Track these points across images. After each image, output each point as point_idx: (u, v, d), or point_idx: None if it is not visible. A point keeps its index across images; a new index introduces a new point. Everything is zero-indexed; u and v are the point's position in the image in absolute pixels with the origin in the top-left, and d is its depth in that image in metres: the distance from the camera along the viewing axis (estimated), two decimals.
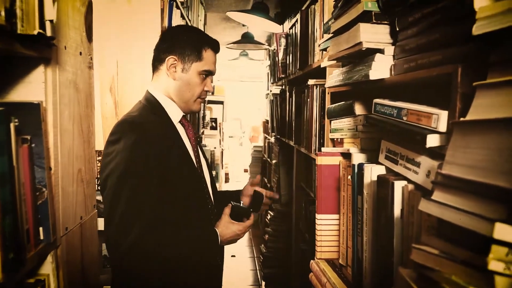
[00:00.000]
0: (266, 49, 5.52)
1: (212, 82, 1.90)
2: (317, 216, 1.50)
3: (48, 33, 1.03)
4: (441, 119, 0.87)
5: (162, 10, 2.41)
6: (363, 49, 1.17)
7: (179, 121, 1.73)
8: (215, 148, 6.49)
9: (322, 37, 2.23)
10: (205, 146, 5.70)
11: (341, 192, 1.43)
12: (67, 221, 1.29)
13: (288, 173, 3.93)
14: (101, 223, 2.39)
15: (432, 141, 0.88)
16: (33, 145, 1.08)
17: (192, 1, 3.67)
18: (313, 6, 2.72)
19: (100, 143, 2.40)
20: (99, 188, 2.39)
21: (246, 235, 1.96)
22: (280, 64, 3.97)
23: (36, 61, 1.13)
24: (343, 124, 1.51)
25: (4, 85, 1.13)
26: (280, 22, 4.35)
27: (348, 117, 1.46)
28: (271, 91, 4.96)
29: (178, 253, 1.56)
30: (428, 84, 1.04)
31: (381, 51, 1.17)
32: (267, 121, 5.54)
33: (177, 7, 2.84)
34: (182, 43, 1.68)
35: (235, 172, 10.66)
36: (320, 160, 1.47)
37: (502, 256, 0.60)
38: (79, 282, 1.41)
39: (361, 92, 1.41)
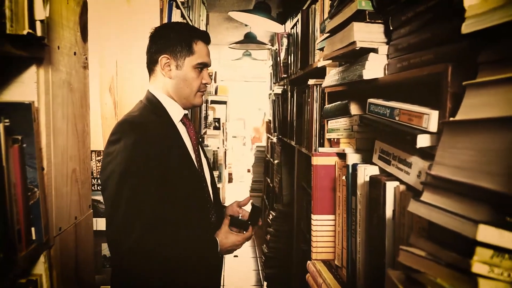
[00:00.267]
0: (268, 49, 5.52)
1: (211, 78, 1.89)
2: (313, 216, 1.49)
3: (38, 33, 1.03)
4: (431, 119, 0.86)
5: (161, 10, 2.41)
6: (357, 48, 1.17)
7: (180, 120, 1.73)
8: (218, 148, 6.48)
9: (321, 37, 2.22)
10: (207, 146, 5.70)
11: (336, 193, 1.43)
12: (60, 221, 1.29)
13: (290, 173, 3.92)
14: (100, 223, 2.40)
15: (423, 141, 0.87)
16: (24, 145, 1.08)
17: (194, 1, 3.66)
18: (313, 5, 2.71)
19: (99, 143, 2.40)
20: (99, 188, 2.41)
21: None
22: (282, 64, 3.96)
23: (28, 61, 1.13)
24: (340, 124, 1.50)
25: None
26: (282, 21, 4.34)
27: (344, 117, 1.46)
28: (273, 91, 4.95)
29: (178, 254, 1.56)
30: (422, 83, 1.03)
31: (375, 50, 1.17)
32: (270, 121, 5.54)
33: (177, 7, 2.83)
34: (171, 40, 1.68)
35: (239, 172, 10.65)
36: (316, 161, 1.46)
37: (486, 258, 0.59)
38: (73, 282, 1.40)
39: (357, 92, 1.40)
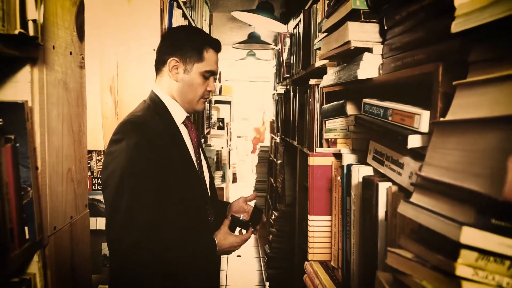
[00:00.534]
0: (272, 48, 5.51)
1: (216, 81, 1.89)
2: (309, 217, 1.48)
3: (31, 32, 1.03)
4: (423, 119, 0.85)
5: (162, 10, 2.41)
6: (352, 48, 1.16)
7: (182, 122, 1.73)
8: (222, 148, 6.48)
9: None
10: (211, 146, 5.69)
11: (333, 193, 1.42)
12: (55, 220, 1.29)
13: (293, 173, 3.92)
14: (101, 223, 2.41)
15: (414, 141, 0.86)
16: (17, 144, 1.08)
17: (196, 1, 3.66)
18: (315, 5, 2.71)
19: (100, 143, 2.40)
20: (99, 187, 2.41)
21: (252, 237, 1.99)
22: (284, 64, 3.96)
23: (22, 61, 1.13)
24: (337, 124, 1.49)
25: None
26: (285, 21, 4.34)
27: (341, 117, 1.45)
28: (276, 91, 4.95)
29: (177, 254, 1.56)
30: (417, 83, 1.02)
31: (369, 50, 1.16)
32: (273, 121, 5.53)
33: (179, 7, 2.83)
34: (183, 44, 1.68)
35: (243, 172, 10.64)
36: (312, 161, 1.45)
37: (471, 261, 0.58)
38: (69, 281, 1.40)
39: (354, 91, 1.40)
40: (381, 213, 0.99)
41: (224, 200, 6.51)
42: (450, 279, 0.59)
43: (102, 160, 2.42)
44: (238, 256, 5.38)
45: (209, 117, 5.22)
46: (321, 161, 1.45)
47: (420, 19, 0.93)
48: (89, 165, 2.41)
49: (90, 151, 2.39)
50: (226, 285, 4.69)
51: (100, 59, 2.36)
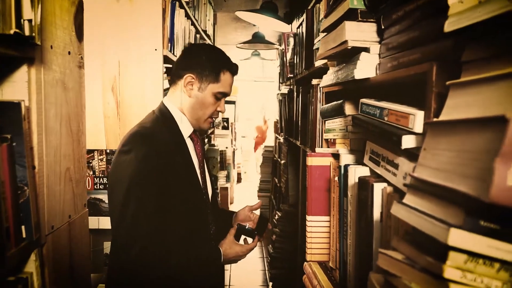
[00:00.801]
0: (276, 48, 5.50)
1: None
2: (308, 217, 1.48)
3: (26, 32, 1.03)
4: (417, 119, 0.84)
5: (164, 10, 2.41)
6: (349, 47, 1.15)
7: (189, 136, 1.76)
8: (226, 148, 6.48)
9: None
10: (215, 146, 5.70)
11: (331, 194, 1.41)
12: (53, 219, 1.29)
13: (296, 173, 3.91)
14: (102, 222, 2.41)
15: (408, 142, 0.85)
16: (14, 144, 1.08)
17: (199, 1, 3.66)
18: (318, 5, 2.70)
19: (102, 143, 2.41)
20: (101, 186, 2.42)
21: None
22: (288, 64, 3.95)
23: (19, 61, 1.13)
24: (335, 124, 1.49)
25: None
26: (289, 21, 4.33)
27: (340, 117, 1.44)
28: (280, 90, 4.94)
29: (182, 266, 1.58)
30: (413, 83, 1.01)
31: (367, 49, 1.15)
32: (277, 121, 5.53)
33: (181, 7, 2.83)
34: (202, 63, 1.71)
35: (248, 172, 10.62)
36: (311, 161, 1.45)
37: (460, 263, 0.57)
38: (67, 280, 1.41)
39: (353, 91, 1.39)
40: (376, 214, 0.99)
41: (228, 199, 6.51)
42: (438, 282, 0.59)
43: (104, 160, 2.43)
44: None
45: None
46: (320, 161, 1.45)
47: (416, 18, 0.93)
48: (91, 165, 2.42)
49: (92, 151, 2.40)
50: (230, 285, 4.69)
51: (102, 59, 2.37)
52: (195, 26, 3.49)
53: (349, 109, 1.36)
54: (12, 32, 0.97)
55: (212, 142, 5.76)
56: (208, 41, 4.38)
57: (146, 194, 1.51)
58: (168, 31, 2.47)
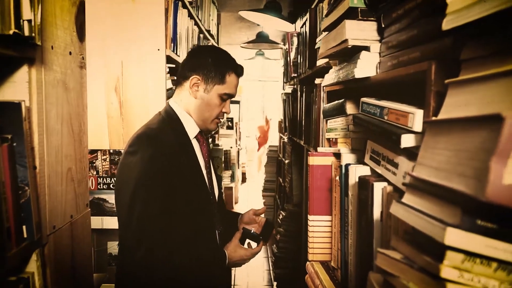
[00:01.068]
0: (280, 48, 5.50)
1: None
2: (309, 217, 1.47)
3: (26, 33, 1.03)
4: (416, 118, 0.83)
5: (167, 10, 2.41)
6: (349, 46, 1.15)
7: (195, 136, 1.77)
8: (231, 147, 6.48)
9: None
10: (219, 145, 5.70)
11: (333, 193, 1.41)
12: (55, 219, 1.29)
13: (300, 173, 3.90)
14: (106, 222, 2.42)
15: (407, 141, 0.85)
16: (14, 144, 1.08)
17: (203, 1, 3.66)
18: (321, 4, 2.69)
19: (105, 143, 2.42)
20: (105, 186, 2.42)
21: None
22: (292, 64, 3.94)
23: (19, 61, 1.13)
24: (337, 123, 1.48)
25: None
26: (293, 21, 4.32)
27: (341, 116, 1.43)
28: (284, 90, 4.94)
29: (188, 269, 1.59)
30: (414, 81, 1.01)
31: (367, 48, 1.14)
32: (282, 121, 5.52)
33: (184, 7, 2.84)
34: (207, 64, 1.72)
35: (252, 172, 10.61)
36: (312, 161, 1.44)
37: (457, 263, 0.57)
38: (69, 280, 1.41)
39: (354, 90, 1.38)
40: (377, 213, 0.98)
41: (233, 198, 6.51)
42: (435, 281, 0.58)
43: (107, 160, 2.43)
44: None
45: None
46: (321, 161, 1.44)
47: (415, 16, 0.92)
48: (94, 165, 2.42)
49: (95, 151, 2.40)
50: (234, 285, 4.69)
51: (105, 59, 2.38)
52: (198, 26, 3.49)
53: (350, 108, 1.36)
54: (11, 32, 0.98)
55: (217, 142, 5.77)
56: (211, 41, 4.38)
57: (152, 196, 1.51)
58: (171, 31, 2.48)
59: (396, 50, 1.02)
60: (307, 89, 3.12)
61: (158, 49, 2.37)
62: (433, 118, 0.77)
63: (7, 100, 1.08)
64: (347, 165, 1.19)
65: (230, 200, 6.39)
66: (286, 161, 4.61)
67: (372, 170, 1.12)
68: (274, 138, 9.05)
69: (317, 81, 2.48)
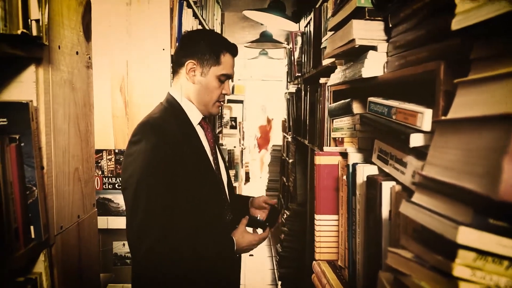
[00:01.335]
0: (284, 47, 5.50)
1: (232, 81, 1.93)
2: (316, 216, 1.47)
3: (34, 32, 1.04)
4: (425, 117, 0.83)
5: (172, 10, 2.42)
6: (356, 46, 1.15)
7: (199, 123, 1.76)
8: (234, 147, 6.48)
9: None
10: (223, 145, 5.70)
11: (339, 193, 1.41)
12: (62, 220, 1.29)
13: (304, 172, 3.90)
14: (111, 222, 2.42)
15: (416, 140, 0.85)
16: (22, 144, 1.09)
17: (207, 0, 3.67)
18: (325, 3, 2.69)
19: (110, 143, 2.42)
20: (110, 186, 2.43)
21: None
22: (296, 63, 3.95)
23: (27, 61, 1.14)
24: (343, 123, 1.48)
25: None
26: (296, 20, 4.32)
27: (347, 116, 1.43)
28: (288, 89, 4.94)
29: (196, 256, 1.58)
30: (422, 81, 1.01)
31: (374, 48, 1.14)
32: (285, 120, 5.53)
33: (189, 6, 2.84)
34: (200, 47, 1.71)
35: (256, 171, 10.59)
36: (319, 160, 1.44)
37: (469, 261, 0.57)
38: (76, 280, 1.41)
39: (361, 90, 1.38)
40: (385, 212, 0.98)
41: None
42: (448, 280, 0.58)
43: (112, 160, 2.43)
44: (250, 255, 5.38)
45: (222, 116, 5.22)
46: (328, 160, 1.44)
47: (423, 16, 0.92)
48: (99, 165, 2.43)
49: (100, 151, 2.41)
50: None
51: (110, 59, 2.38)
52: (202, 26, 3.49)
53: (356, 107, 1.36)
54: (19, 32, 0.98)
55: (220, 141, 5.77)
56: None
57: (158, 185, 1.50)
58: (176, 31, 2.48)
59: (403, 49, 1.02)
60: (312, 89, 3.12)
61: (163, 49, 2.37)
62: (443, 117, 0.77)
63: (15, 100, 1.09)
64: (354, 165, 1.19)
65: None
66: (290, 161, 4.62)
67: (379, 169, 1.12)
68: (277, 139, 9.03)
69: (322, 80, 2.48)
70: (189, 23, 2.86)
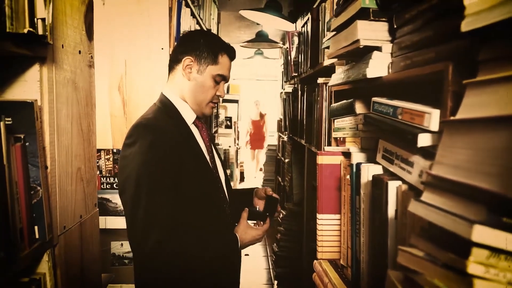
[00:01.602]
0: (280, 47, 5.50)
1: (227, 82, 1.92)
2: (318, 216, 1.48)
3: (40, 31, 1.04)
4: (432, 118, 0.84)
5: (171, 9, 2.42)
6: (361, 46, 1.15)
7: (193, 122, 1.75)
8: (229, 146, 6.49)
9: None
10: (218, 145, 5.70)
11: (342, 192, 1.41)
12: (65, 219, 1.29)
13: (300, 172, 3.91)
14: (110, 222, 2.42)
15: (424, 140, 0.85)
16: (27, 143, 1.09)
17: (204, 0, 3.67)
18: (323, 3, 2.70)
19: (108, 142, 2.42)
20: (108, 186, 2.42)
21: None
22: (292, 63, 3.95)
23: (31, 60, 1.13)
24: (345, 123, 1.49)
25: (0, 84, 1.14)
26: (293, 20, 4.33)
27: (350, 116, 1.44)
28: (284, 89, 4.95)
29: (200, 255, 1.58)
30: (427, 82, 1.01)
31: (379, 48, 1.15)
32: (281, 120, 5.53)
33: (187, 6, 2.84)
34: (199, 45, 1.71)
35: (251, 171, 10.60)
36: (321, 160, 1.45)
37: (483, 259, 0.58)
38: (79, 281, 1.41)
39: (363, 90, 1.39)
40: (391, 211, 0.99)
41: None
42: (461, 277, 0.59)
43: (110, 159, 2.43)
44: (246, 254, 5.38)
45: (217, 116, 5.22)
46: (330, 160, 1.45)
47: (429, 18, 0.93)
48: (97, 164, 2.42)
49: (98, 150, 2.40)
50: None
51: (108, 58, 2.38)
52: (200, 25, 3.49)
53: (359, 107, 1.36)
54: (25, 31, 0.98)
55: (216, 141, 5.77)
56: None
57: (156, 186, 1.49)
58: (174, 30, 2.48)
59: (409, 50, 1.02)
60: (309, 89, 3.12)
61: (162, 48, 2.37)
62: (452, 117, 0.77)
63: (20, 100, 1.08)
64: (358, 164, 1.20)
65: None
66: (286, 160, 4.63)
67: (384, 169, 1.13)
68: (271, 138, 9.00)
69: (320, 80, 2.49)
70: (187, 23, 2.87)
